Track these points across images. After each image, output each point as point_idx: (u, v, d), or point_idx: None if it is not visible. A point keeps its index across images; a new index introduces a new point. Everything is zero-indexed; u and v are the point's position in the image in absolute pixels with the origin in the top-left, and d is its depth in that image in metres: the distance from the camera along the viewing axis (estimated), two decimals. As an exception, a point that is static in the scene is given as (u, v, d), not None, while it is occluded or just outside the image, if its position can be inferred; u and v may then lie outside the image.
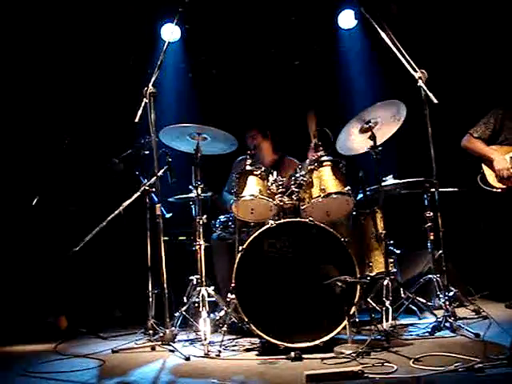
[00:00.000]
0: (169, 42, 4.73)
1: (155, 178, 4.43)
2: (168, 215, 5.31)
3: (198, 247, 4.41)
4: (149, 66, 5.76)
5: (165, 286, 4.28)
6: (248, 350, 4.11)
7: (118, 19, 6.19)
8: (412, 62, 4.41)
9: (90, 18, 6.10)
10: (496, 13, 5.94)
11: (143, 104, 4.39)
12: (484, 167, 5.18)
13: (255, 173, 4.35)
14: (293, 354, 3.78)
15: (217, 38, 6.54)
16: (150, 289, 4.71)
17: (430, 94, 4.25)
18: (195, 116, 5.57)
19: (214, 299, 4.48)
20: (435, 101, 4.23)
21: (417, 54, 4.48)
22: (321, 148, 4.37)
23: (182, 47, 6.53)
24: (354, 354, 3.64)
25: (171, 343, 4.20)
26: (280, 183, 4.37)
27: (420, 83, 4.31)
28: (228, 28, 6.47)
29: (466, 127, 5.35)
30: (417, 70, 4.38)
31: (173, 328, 4.39)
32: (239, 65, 6.63)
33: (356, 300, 3.99)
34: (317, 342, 3.92)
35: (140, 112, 4.38)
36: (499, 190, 5.09)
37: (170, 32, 5.14)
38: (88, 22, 6.11)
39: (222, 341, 4.16)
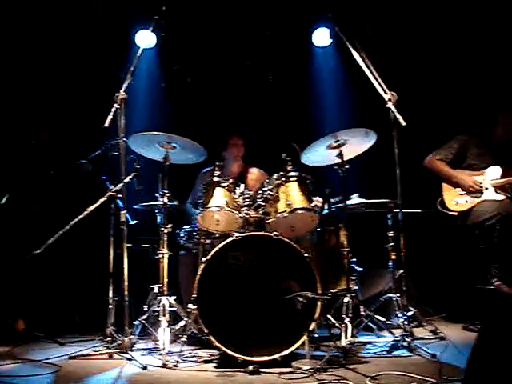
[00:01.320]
0: (143, 49, 4.73)
1: (122, 184, 4.40)
2: (133, 222, 5.27)
3: (161, 256, 4.39)
4: (122, 71, 5.73)
5: (125, 293, 4.25)
6: (206, 362, 4.09)
7: (92, 22, 6.15)
8: (383, 84, 4.48)
9: (62, 20, 6.06)
10: (464, 40, 6.07)
11: (113, 109, 4.38)
12: (444, 190, 5.30)
13: (222, 184, 4.35)
14: (251, 367, 3.79)
15: (193, 47, 6.55)
16: (111, 295, 4.67)
17: (399, 116, 4.33)
18: (166, 124, 5.55)
19: (174, 309, 4.46)
20: (403, 123, 4.30)
21: (388, 77, 4.56)
22: (289, 163, 4.38)
23: (157, 54, 6.50)
24: (311, 370, 3.66)
25: (129, 352, 4.16)
26: (247, 196, 4.39)
27: (389, 105, 4.39)
28: (204, 38, 6.48)
29: (431, 150, 5.45)
30: (387, 91, 4.46)
31: (132, 336, 4.36)
32: (213, 75, 6.65)
33: (316, 316, 4.00)
34: (275, 356, 3.91)
35: (110, 117, 4.37)
36: (455, 214, 5.23)
37: (145, 38, 5.14)
38: (60, 24, 6.07)
39: (181, 351, 4.15)
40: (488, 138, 5.39)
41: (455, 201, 5.25)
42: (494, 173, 5.23)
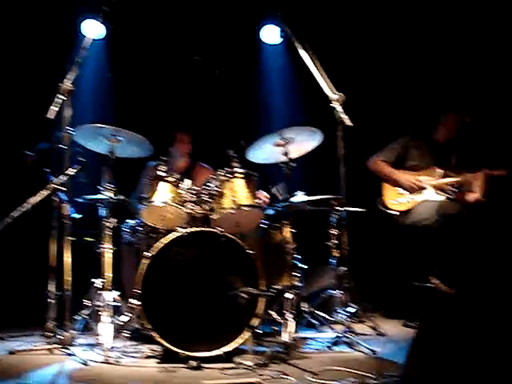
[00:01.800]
0: (92, 39, 4.66)
1: (65, 176, 4.34)
2: (76, 215, 5.19)
3: (104, 251, 4.34)
4: (69, 61, 5.63)
5: (67, 287, 4.19)
6: (149, 357, 4.07)
7: (38, 9, 6.02)
8: (330, 84, 4.54)
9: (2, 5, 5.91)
10: (408, 42, 6.21)
11: (59, 100, 4.31)
12: (385, 189, 5.43)
13: (168, 179, 4.34)
14: (193, 362, 3.80)
15: (141, 40, 6.48)
16: (52, 290, 4.58)
17: (345, 117, 4.39)
18: (112, 117, 5.49)
19: (117, 304, 4.43)
20: (349, 123, 4.37)
21: (336, 78, 4.62)
22: (235, 160, 4.40)
23: (106, 46, 6.41)
24: (253, 366, 3.70)
25: (70, 347, 4.11)
26: (192, 192, 4.38)
27: (336, 105, 4.45)
28: (153, 31, 6.42)
29: (376, 149, 5.57)
30: (335, 92, 4.52)
31: (73, 331, 4.31)
32: (161, 69, 6.60)
33: (259, 312, 4.04)
34: (218, 351, 3.94)
35: (55, 108, 4.30)
36: (395, 213, 5.35)
37: (94, 29, 5.06)
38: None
39: (123, 347, 4.12)
40: (429, 139, 5.54)
41: (396, 200, 5.37)
42: (434, 174, 5.38)
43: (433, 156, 5.45)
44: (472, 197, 5.24)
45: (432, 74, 6.16)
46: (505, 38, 5.84)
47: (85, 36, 4.88)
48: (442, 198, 5.30)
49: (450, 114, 5.49)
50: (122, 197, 4.71)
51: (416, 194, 5.32)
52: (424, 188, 5.33)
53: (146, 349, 4.24)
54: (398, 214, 5.35)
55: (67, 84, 4.39)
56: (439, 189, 5.34)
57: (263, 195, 4.75)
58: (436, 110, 5.60)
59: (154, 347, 4.18)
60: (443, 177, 5.35)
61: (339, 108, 4.44)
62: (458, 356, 2.84)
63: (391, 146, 5.52)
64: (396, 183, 5.39)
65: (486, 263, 4.97)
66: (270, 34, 6.43)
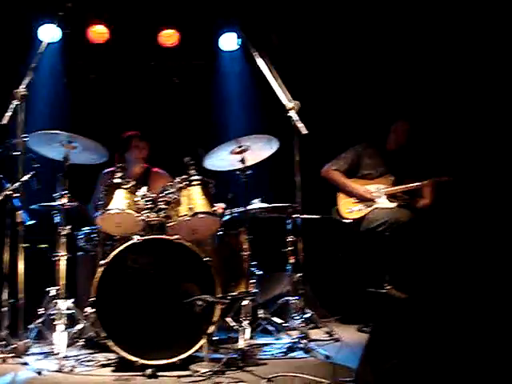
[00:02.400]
0: (47, 43, 4.61)
1: (19, 183, 4.28)
2: (30, 222, 5.11)
3: (58, 258, 4.29)
4: (23, 66, 5.55)
5: (20, 295, 4.13)
6: (104, 366, 4.04)
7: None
8: (286, 92, 4.59)
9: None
10: (361, 52, 6.32)
11: (13, 106, 4.25)
12: (339, 198, 5.51)
13: (124, 186, 4.31)
14: (149, 371, 3.77)
15: (97, 44, 6.43)
16: (5, 298, 4.50)
17: (301, 125, 4.44)
18: (68, 123, 5.43)
19: (72, 312, 4.38)
20: (305, 131, 4.43)
21: (292, 85, 4.67)
22: (192, 167, 4.41)
23: (61, 50, 6.34)
24: (209, 373, 3.69)
25: (24, 356, 4.05)
26: (148, 199, 4.36)
27: (292, 113, 4.50)
28: (110, 35, 6.38)
29: (331, 159, 5.64)
30: (290, 100, 4.57)
31: (27, 340, 4.23)
32: (118, 74, 6.56)
33: (215, 319, 4.04)
34: (174, 359, 3.92)
35: (9, 114, 4.25)
36: (349, 221, 5.44)
37: (49, 33, 5.00)
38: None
39: (78, 355, 4.07)
40: (382, 147, 5.64)
41: (349, 209, 5.45)
42: (387, 181, 5.48)
43: (385, 164, 5.55)
44: (421, 203, 5.36)
45: (384, 82, 6.28)
46: (452, 46, 5.99)
47: (41, 41, 4.83)
48: (393, 205, 5.40)
49: (399, 122, 5.61)
50: (76, 203, 4.66)
51: (368, 202, 5.41)
52: (375, 198, 5.41)
53: (100, 357, 4.20)
54: (352, 221, 5.43)
55: (21, 89, 4.34)
56: (391, 196, 5.44)
57: (219, 205, 4.74)
58: (389, 118, 5.71)
59: (109, 355, 4.15)
60: (395, 184, 5.46)
61: (295, 116, 4.49)
62: (410, 360, 2.89)
63: (344, 155, 5.61)
64: (348, 193, 5.48)
65: (437, 268, 5.08)
66: (228, 41, 6.46)
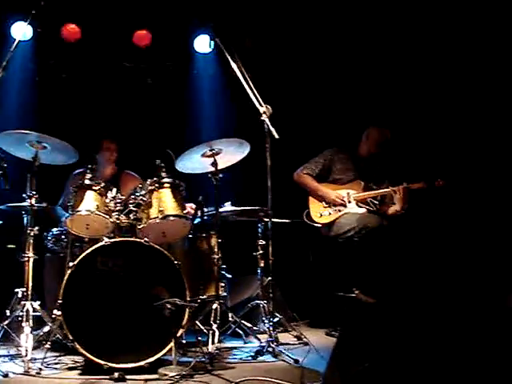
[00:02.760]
0: (18, 41, 4.55)
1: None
2: (-2, 222, 5.05)
3: (26, 259, 4.24)
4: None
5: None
6: (71, 369, 3.99)
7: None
8: (258, 96, 4.60)
9: None
10: (335, 57, 6.37)
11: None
12: (310, 202, 5.54)
13: (94, 188, 4.28)
14: (116, 374, 3.75)
15: (70, 43, 6.37)
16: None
17: (272, 129, 4.46)
18: (39, 122, 5.39)
19: (39, 314, 4.32)
20: (276, 136, 4.45)
21: (265, 89, 4.69)
22: (163, 169, 4.39)
23: (32, 48, 6.26)
24: (177, 377, 3.68)
25: (-11, 358, 4.00)
26: (118, 201, 4.33)
27: (264, 118, 4.51)
28: (83, 35, 6.33)
29: (303, 162, 5.67)
30: (262, 104, 4.58)
31: (-8, 342, 4.19)
32: (90, 74, 6.50)
33: (184, 323, 4.03)
34: (142, 362, 3.89)
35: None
36: (319, 225, 5.47)
37: (21, 31, 4.95)
38: None
39: (45, 358, 4.01)
40: (353, 153, 5.68)
41: (319, 213, 5.48)
42: (357, 187, 5.52)
43: (356, 169, 5.59)
44: (392, 209, 5.41)
45: (357, 87, 6.33)
46: (424, 54, 6.07)
47: (14, 39, 4.77)
48: (363, 210, 5.44)
49: (371, 129, 5.65)
50: (45, 204, 4.61)
51: (338, 207, 5.44)
52: (346, 203, 5.45)
53: (68, 360, 4.16)
54: (321, 226, 5.46)
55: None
56: (361, 201, 5.48)
57: (189, 205, 4.74)
58: (361, 124, 5.75)
59: (77, 358, 4.11)
60: (365, 190, 5.50)
61: (267, 120, 4.50)
62: (378, 365, 2.91)
63: (316, 160, 5.64)
64: (319, 197, 5.51)
65: (405, 273, 5.13)
66: (202, 44, 6.45)
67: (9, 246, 5.41)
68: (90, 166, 4.47)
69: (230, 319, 4.68)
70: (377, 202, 5.51)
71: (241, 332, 4.80)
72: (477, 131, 5.88)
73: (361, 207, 5.46)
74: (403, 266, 5.13)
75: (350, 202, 5.46)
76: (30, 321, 4.08)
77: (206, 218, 4.83)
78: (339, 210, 5.44)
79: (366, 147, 5.64)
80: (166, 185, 4.34)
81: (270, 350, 4.31)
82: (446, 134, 5.99)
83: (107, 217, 4.23)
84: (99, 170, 5.15)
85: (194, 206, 4.85)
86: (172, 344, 3.90)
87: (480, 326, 2.94)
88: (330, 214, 5.45)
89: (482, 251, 5.55)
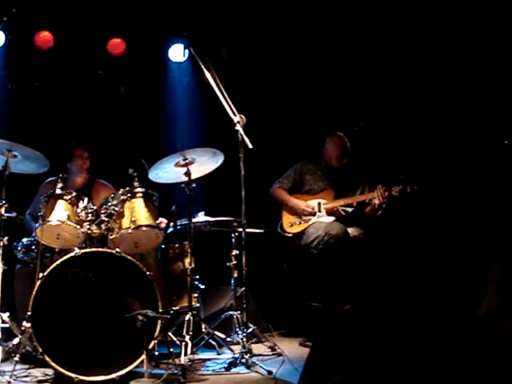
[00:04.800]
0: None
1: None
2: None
3: (-5, 270, 4.17)
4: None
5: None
6: (40, 382, 3.94)
7: None
8: (232, 106, 4.59)
9: None
10: (308, 68, 6.39)
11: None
12: (283, 214, 5.57)
13: (65, 197, 4.23)
14: (86, 387, 3.71)
15: (42, 51, 6.31)
16: None
17: (246, 139, 4.46)
18: (8, 130, 5.31)
19: (8, 326, 4.25)
20: (250, 146, 4.44)
21: (239, 99, 4.68)
22: (135, 179, 4.35)
23: (4, 55, 6.19)
24: (149, 389, 3.66)
25: (-44, 371, 3.91)
26: (90, 210, 4.28)
27: (238, 127, 4.51)
28: (55, 43, 6.27)
29: (277, 173, 5.69)
30: (236, 114, 4.58)
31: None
32: (63, 82, 6.44)
33: (156, 334, 3.99)
34: (113, 375, 3.85)
35: None
36: (290, 235, 5.49)
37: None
38: None
39: (14, 370, 3.93)
40: (321, 163, 5.69)
41: (291, 223, 5.50)
42: (327, 196, 5.53)
43: (326, 179, 5.61)
44: (369, 208, 5.41)
45: (330, 97, 6.35)
46: (384, 59, 6.12)
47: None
48: (331, 219, 5.43)
49: (329, 138, 5.67)
50: (15, 214, 4.55)
51: (308, 216, 5.45)
52: (315, 212, 5.46)
53: (37, 373, 4.08)
54: (291, 235, 5.48)
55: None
56: (331, 210, 5.48)
57: (161, 220, 4.68)
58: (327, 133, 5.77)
59: (47, 371, 4.04)
60: (335, 199, 5.51)
61: (241, 130, 4.49)
62: (348, 375, 2.91)
63: (287, 174, 5.70)
64: (290, 208, 5.53)
65: (374, 280, 5.15)
66: (177, 53, 6.42)
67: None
68: (61, 175, 4.42)
69: (203, 330, 4.67)
70: (349, 210, 5.52)
71: (214, 343, 4.79)
72: (449, 132, 5.92)
73: (330, 216, 5.45)
74: (372, 273, 5.15)
75: (319, 211, 5.47)
76: (-1, 332, 4.02)
77: (179, 227, 4.81)
78: (308, 220, 5.45)
79: (328, 156, 5.65)
80: (138, 194, 4.31)
81: (244, 361, 4.28)
82: (417, 138, 6.04)
83: (78, 227, 4.18)
84: (71, 178, 5.09)
85: (165, 220, 4.80)
86: (144, 356, 3.86)
87: (450, 335, 2.97)
88: (300, 223, 5.47)
89: (451, 258, 5.60)
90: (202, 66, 4.75)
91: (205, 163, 4.53)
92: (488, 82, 5.74)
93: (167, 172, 4.54)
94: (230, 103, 4.59)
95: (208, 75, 4.71)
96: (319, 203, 5.48)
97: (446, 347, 2.91)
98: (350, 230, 5.30)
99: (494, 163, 5.60)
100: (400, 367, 2.86)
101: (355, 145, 5.67)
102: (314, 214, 5.44)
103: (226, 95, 4.62)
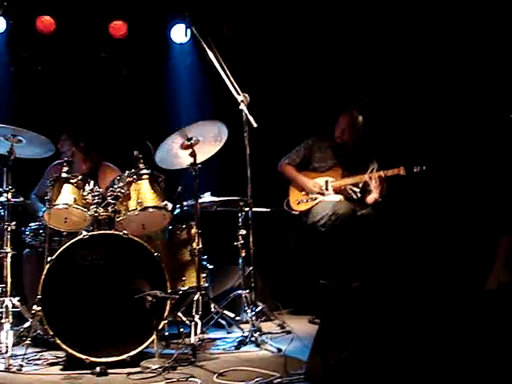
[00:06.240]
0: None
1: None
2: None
3: (4, 255, 4.18)
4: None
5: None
6: (52, 365, 3.96)
7: None
8: (236, 85, 4.57)
9: None
10: (316, 43, 6.34)
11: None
12: (290, 191, 5.56)
13: (71, 181, 4.23)
14: (98, 368, 3.72)
15: (44, 35, 6.29)
16: None
17: (251, 118, 4.45)
18: (14, 115, 5.32)
19: (18, 310, 4.28)
20: (255, 124, 4.43)
21: (243, 78, 4.66)
22: (141, 161, 4.35)
23: (7, 40, 6.17)
24: (160, 369, 3.66)
25: (-31, 356, 3.94)
26: (96, 193, 4.27)
27: (242, 106, 4.49)
28: (57, 26, 6.24)
29: (282, 152, 5.67)
30: (240, 92, 4.55)
31: (-28, 340, 4.13)
32: (66, 66, 6.42)
33: (165, 315, 4.01)
34: (124, 356, 3.87)
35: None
36: (297, 213, 5.47)
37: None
38: None
39: (25, 354, 3.96)
40: (331, 140, 5.66)
41: (298, 200, 5.49)
42: (335, 174, 5.51)
43: (335, 157, 5.58)
44: (371, 197, 5.39)
45: (337, 73, 6.31)
46: (403, 38, 6.06)
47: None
48: (339, 197, 5.41)
49: (341, 115, 5.64)
50: (21, 199, 4.56)
51: (316, 195, 5.44)
52: (323, 191, 5.44)
53: (49, 355, 4.12)
54: (298, 213, 5.47)
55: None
56: (339, 189, 5.47)
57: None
58: (339, 111, 5.73)
59: (58, 353, 4.08)
60: (342, 177, 5.49)
61: (245, 109, 4.47)
62: (359, 352, 2.92)
63: (296, 149, 5.66)
64: (299, 186, 5.52)
65: (381, 260, 5.15)
66: (179, 33, 6.38)
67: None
68: (67, 159, 4.43)
69: (213, 310, 4.67)
70: (358, 190, 5.50)
71: (223, 322, 4.81)
72: (455, 115, 5.88)
73: (337, 195, 5.44)
74: (378, 253, 5.13)
75: (327, 189, 5.45)
76: (10, 317, 4.06)
77: (185, 208, 4.81)
78: (315, 198, 5.44)
79: (337, 134, 5.62)
80: (144, 176, 4.30)
81: (253, 339, 4.32)
82: (425, 118, 6.00)
83: (85, 210, 4.19)
84: (76, 163, 5.09)
85: (170, 204, 4.80)
86: (154, 336, 3.88)
87: (458, 309, 2.96)
88: (307, 201, 5.45)
89: (458, 234, 5.58)
90: (205, 46, 4.71)
91: (209, 142, 4.49)
92: (499, 57, 5.67)
93: (172, 156, 4.50)
94: (234, 82, 4.57)
95: (211, 54, 4.68)
96: (327, 181, 5.47)
97: (455, 322, 2.91)
98: (358, 207, 5.30)
99: (503, 137, 5.56)
100: (409, 342, 2.87)
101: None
102: (322, 193, 5.43)
103: (229, 74, 4.59)
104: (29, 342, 4.05)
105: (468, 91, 5.83)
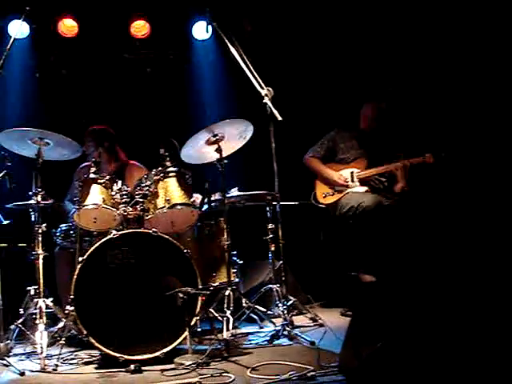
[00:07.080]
0: (15, 39, 4.52)
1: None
2: (5, 222, 5.04)
3: (36, 257, 4.23)
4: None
5: (-1, 296, 4.08)
6: (87, 364, 4.00)
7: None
8: (259, 79, 4.55)
9: None
10: (337, 37, 6.30)
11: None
12: (316, 184, 5.53)
13: (99, 181, 4.26)
14: (132, 366, 3.75)
15: (68, 38, 6.34)
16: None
17: (275, 112, 4.41)
18: (41, 118, 5.37)
19: (52, 311, 4.33)
20: (279, 118, 4.40)
21: (266, 72, 4.64)
22: (167, 159, 4.36)
23: (31, 45, 6.23)
24: (193, 365, 3.68)
25: (6, 357, 3.97)
26: (124, 192, 4.30)
27: (266, 100, 4.47)
28: (80, 29, 6.29)
29: (308, 144, 5.63)
30: (264, 87, 4.53)
31: (8, 341, 4.18)
32: (90, 68, 6.47)
33: (197, 311, 4.03)
34: (157, 353, 3.90)
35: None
36: (324, 206, 5.45)
37: (17, 28, 4.92)
38: None
39: (60, 354, 4.01)
40: (355, 131, 5.61)
41: (324, 194, 5.46)
42: (360, 165, 5.46)
43: (360, 147, 5.53)
44: (398, 186, 5.34)
45: (358, 64, 6.25)
46: (417, 30, 5.98)
47: (11, 36, 4.74)
48: (364, 189, 5.36)
49: (365, 104, 5.59)
50: (51, 201, 4.60)
51: (341, 187, 5.40)
52: (348, 182, 5.40)
53: (83, 355, 4.17)
54: (325, 206, 5.44)
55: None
56: (365, 180, 5.42)
57: (195, 196, 4.69)
58: (361, 101, 5.68)
59: (92, 352, 4.12)
60: (367, 168, 5.44)
61: (269, 103, 4.45)
62: (391, 343, 2.90)
63: (321, 142, 5.62)
64: (324, 179, 5.48)
65: (406, 252, 5.08)
66: (201, 30, 6.40)
67: (19, 244, 5.40)
68: (94, 160, 4.46)
69: (244, 305, 4.68)
70: (384, 179, 5.45)
71: (255, 317, 4.81)
72: (478, 103, 5.79)
73: (363, 186, 5.39)
74: (405, 244, 5.07)
75: (353, 181, 5.41)
76: (44, 318, 4.09)
77: (213, 205, 4.81)
78: (341, 190, 5.40)
79: (365, 123, 5.58)
80: (171, 174, 4.31)
81: (286, 333, 4.31)
82: (449, 106, 5.91)
83: (114, 209, 4.22)
84: (103, 164, 5.13)
85: (199, 196, 4.82)
86: (186, 333, 3.89)
87: (492, 301, 2.92)
88: (333, 194, 5.42)
89: (484, 227, 5.48)
90: (227, 41, 4.70)
91: (234, 138, 4.50)
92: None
93: (198, 152, 4.52)
94: (257, 77, 4.55)
95: (233, 50, 4.66)
96: (352, 172, 5.42)
97: (488, 315, 2.87)
98: (384, 198, 5.25)
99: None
100: (439, 330, 2.84)
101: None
102: (347, 185, 5.39)
103: (252, 69, 4.58)
104: (63, 341, 4.11)
105: (492, 81, 5.73)
